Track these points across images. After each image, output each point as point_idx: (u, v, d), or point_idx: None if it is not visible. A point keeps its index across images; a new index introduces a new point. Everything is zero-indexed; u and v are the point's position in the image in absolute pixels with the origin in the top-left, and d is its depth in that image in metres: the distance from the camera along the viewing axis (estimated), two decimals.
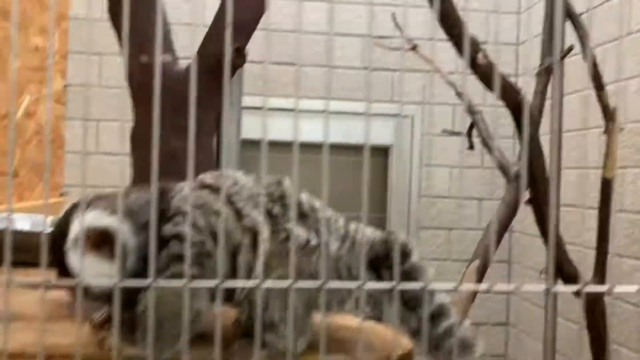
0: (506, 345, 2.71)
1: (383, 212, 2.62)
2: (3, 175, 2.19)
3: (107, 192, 0.83)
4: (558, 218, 1.78)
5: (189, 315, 0.78)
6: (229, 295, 0.84)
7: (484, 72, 1.55)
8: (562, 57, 1.83)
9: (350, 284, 0.74)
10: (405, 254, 0.85)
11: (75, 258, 0.72)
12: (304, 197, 0.88)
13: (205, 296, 0.79)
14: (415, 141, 2.59)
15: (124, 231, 0.76)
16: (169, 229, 0.78)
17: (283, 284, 0.64)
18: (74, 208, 0.80)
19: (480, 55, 1.50)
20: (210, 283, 0.66)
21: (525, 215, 1.98)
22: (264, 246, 0.82)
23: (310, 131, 2.73)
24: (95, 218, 0.77)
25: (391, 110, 2.56)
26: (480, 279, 1.67)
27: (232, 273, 0.82)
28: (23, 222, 1.36)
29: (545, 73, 1.81)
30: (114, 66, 2.49)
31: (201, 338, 0.78)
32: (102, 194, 0.82)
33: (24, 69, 2.25)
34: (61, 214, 0.80)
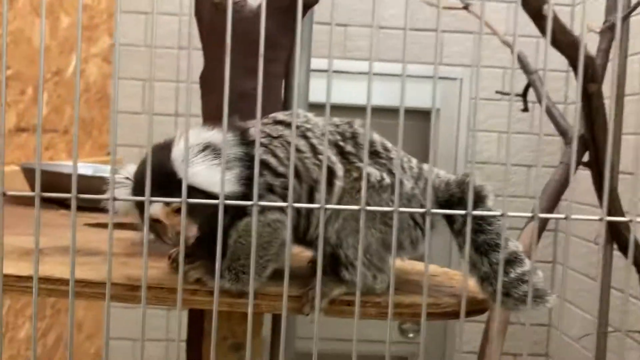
0: (550, 315, 2.68)
1: None
2: (54, 132, 2.21)
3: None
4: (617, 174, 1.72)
5: (276, 247, 0.77)
6: (303, 235, 0.83)
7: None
8: (627, 15, 1.75)
9: (456, 212, 0.72)
10: (480, 198, 0.83)
11: (182, 172, 0.71)
12: (376, 136, 0.86)
13: (290, 229, 0.78)
14: (463, 105, 2.53)
15: (228, 142, 0.75)
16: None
17: (387, 208, 0.62)
18: (163, 143, 0.78)
19: (545, 7, 1.44)
20: (314, 205, 0.64)
21: (574, 184, 1.93)
22: (338, 185, 0.80)
23: (355, 93, 2.68)
24: (199, 134, 0.76)
25: (439, 72, 2.51)
26: (536, 239, 1.64)
27: (309, 209, 0.81)
28: (86, 169, 1.40)
29: (609, 31, 1.73)
30: (160, 26, 2.49)
31: (280, 274, 0.78)
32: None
33: (73, 27, 2.26)
34: (153, 149, 0.79)
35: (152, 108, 0.64)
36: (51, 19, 2.11)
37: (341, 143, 0.83)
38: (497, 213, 0.62)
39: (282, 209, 0.76)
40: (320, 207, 0.59)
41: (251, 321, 0.62)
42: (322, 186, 0.61)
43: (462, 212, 0.64)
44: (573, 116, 2.23)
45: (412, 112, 2.53)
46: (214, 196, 0.68)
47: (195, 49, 1.28)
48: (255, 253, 0.68)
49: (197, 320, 1.19)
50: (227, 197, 0.72)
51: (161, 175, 0.70)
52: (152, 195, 0.63)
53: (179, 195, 0.62)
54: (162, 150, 0.75)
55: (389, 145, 0.87)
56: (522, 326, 2.39)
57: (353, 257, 0.80)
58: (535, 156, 2.62)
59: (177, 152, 0.74)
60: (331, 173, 0.81)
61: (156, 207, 0.72)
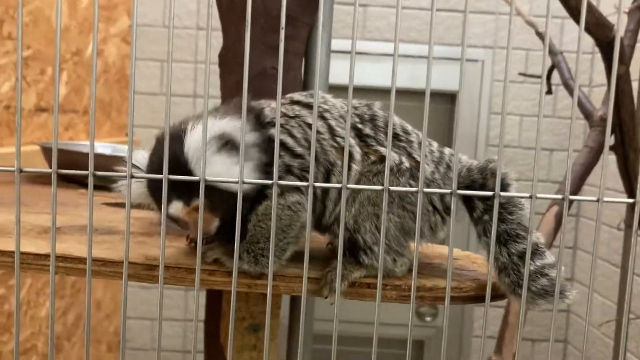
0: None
1: None
2: (73, 113, 2.22)
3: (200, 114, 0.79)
4: None
5: (296, 230, 0.76)
6: (318, 220, 0.82)
7: (576, 6, 1.45)
8: None
9: (484, 193, 0.70)
10: (503, 186, 0.80)
11: (198, 162, 0.69)
12: (396, 119, 0.84)
13: (310, 210, 0.76)
14: (484, 87, 2.49)
15: (243, 130, 0.73)
16: (272, 133, 0.75)
17: (411, 190, 0.61)
18: (174, 134, 0.75)
19: None
20: (336, 185, 0.63)
21: (598, 168, 1.89)
22: (355, 168, 0.79)
23: (374, 75, 2.63)
24: (212, 124, 0.73)
25: (460, 54, 2.46)
26: (558, 225, 1.61)
27: (324, 193, 0.79)
28: (104, 149, 1.40)
29: (638, 11, 1.68)
30: (179, 6, 2.47)
31: (299, 256, 0.77)
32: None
33: (93, 6, 2.26)
34: (163, 140, 0.77)
35: (169, 89, 0.62)
36: None
37: (359, 125, 0.81)
38: (526, 195, 0.60)
39: (301, 191, 0.75)
40: (342, 186, 0.57)
41: (270, 303, 0.61)
42: (344, 165, 0.59)
43: (490, 193, 0.62)
44: (598, 99, 2.18)
45: (433, 95, 2.49)
46: (233, 192, 0.65)
47: (214, 30, 1.26)
48: (274, 236, 0.67)
49: (215, 301, 1.19)
50: (247, 190, 0.70)
51: (177, 172, 0.67)
52: (170, 194, 0.61)
53: (197, 194, 0.60)
54: (174, 144, 0.71)
55: (409, 128, 0.85)
56: (540, 312, 2.36)
57: (371, 241, 0.78)
58: (559, 139, 2.57)
59: (191, 149, 0.71)
60: (349, 156, 0.79)
61: (176, 207, 0.71)
